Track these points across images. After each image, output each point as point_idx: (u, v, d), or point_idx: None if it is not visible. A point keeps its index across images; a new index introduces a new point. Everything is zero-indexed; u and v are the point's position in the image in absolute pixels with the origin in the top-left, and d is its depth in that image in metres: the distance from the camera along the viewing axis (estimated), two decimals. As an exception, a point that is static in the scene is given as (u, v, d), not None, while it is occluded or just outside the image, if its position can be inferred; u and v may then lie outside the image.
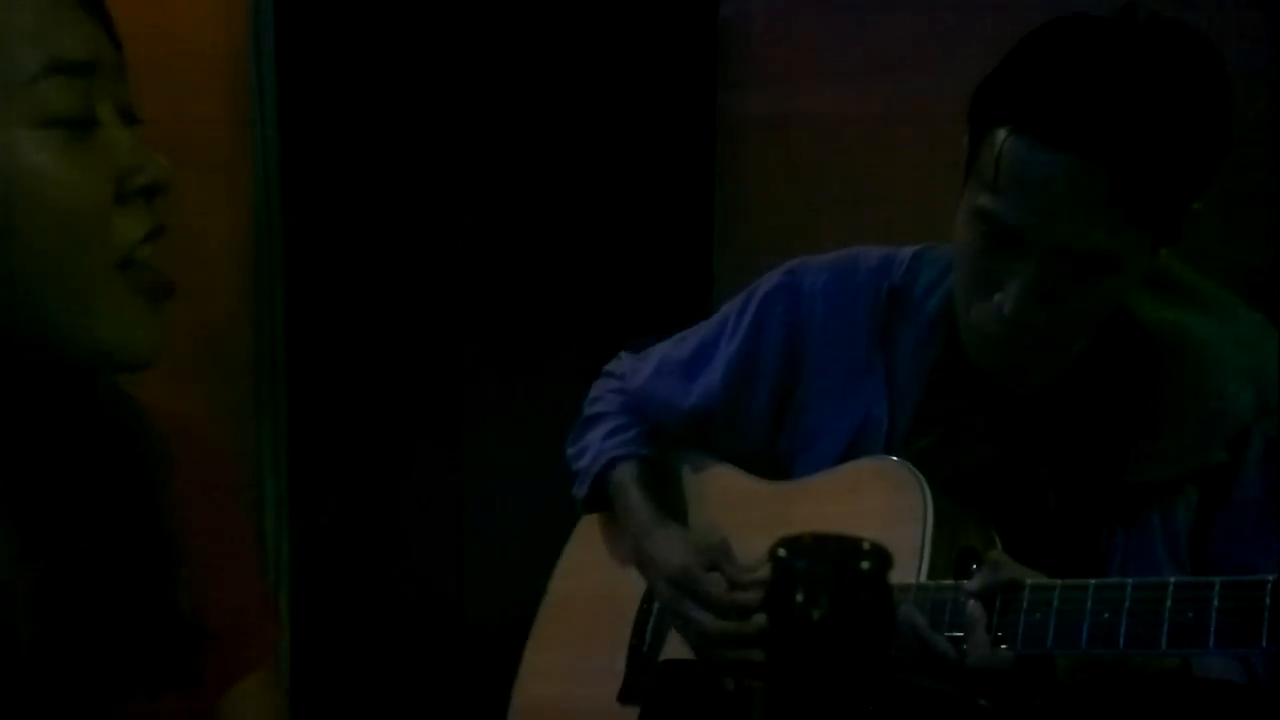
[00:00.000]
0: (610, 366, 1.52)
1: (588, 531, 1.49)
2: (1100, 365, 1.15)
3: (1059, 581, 1.04)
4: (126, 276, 0.71)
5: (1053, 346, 1.11)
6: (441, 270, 2.22)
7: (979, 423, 1.20)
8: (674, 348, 1.44)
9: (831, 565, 0.55)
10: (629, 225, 2.32)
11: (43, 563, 0.74)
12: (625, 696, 1.37)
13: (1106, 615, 1.00)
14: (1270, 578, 0.95)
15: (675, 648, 1.35)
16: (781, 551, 0.55)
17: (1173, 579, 0.99)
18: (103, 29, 0.72)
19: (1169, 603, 0.97)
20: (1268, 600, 0.94)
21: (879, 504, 1.20)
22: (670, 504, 1.43)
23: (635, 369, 1.48)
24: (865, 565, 0.55)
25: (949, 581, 1.11)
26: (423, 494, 2.25)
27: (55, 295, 0.69)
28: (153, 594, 0.77)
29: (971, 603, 1.06)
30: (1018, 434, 1.18)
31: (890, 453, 1.24)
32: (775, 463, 1.35)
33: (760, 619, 1.22)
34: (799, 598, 0.54)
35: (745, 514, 1.36)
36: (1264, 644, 0.94)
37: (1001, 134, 1.03)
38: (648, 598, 1.40)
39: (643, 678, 1.36)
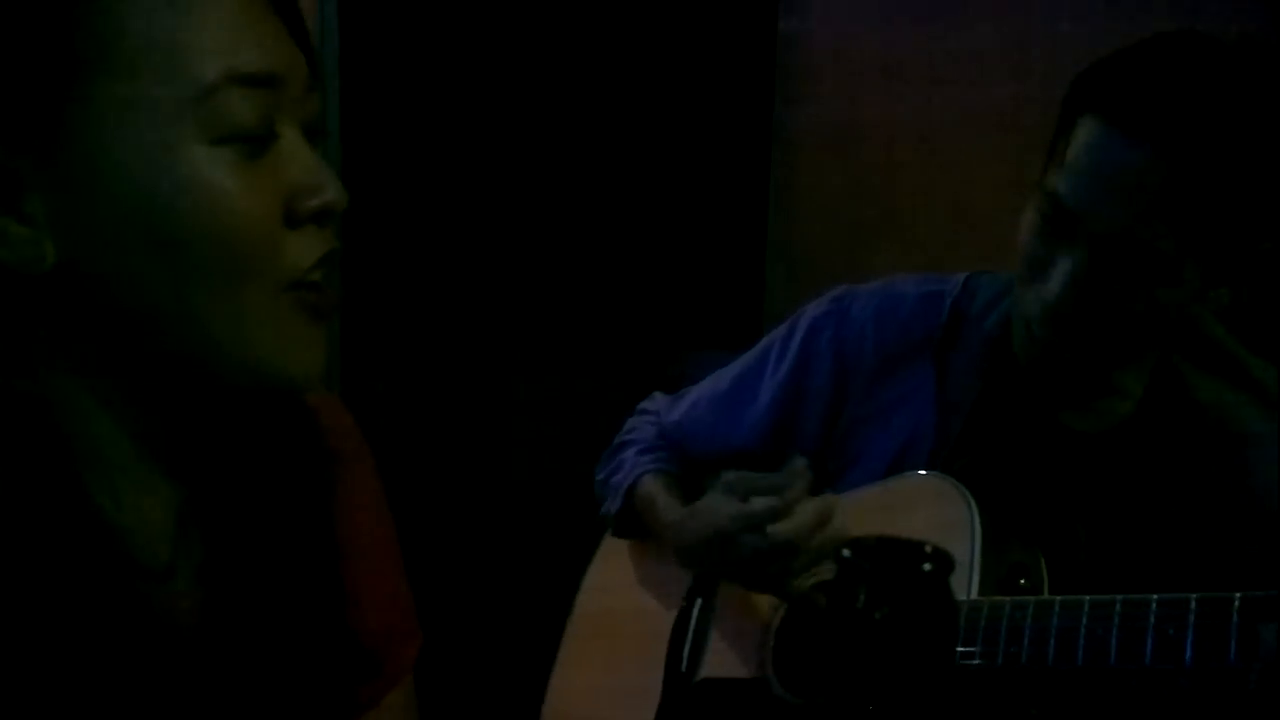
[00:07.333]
0: (644, 405, 1.52)
1: (614, 549, 1.48)
2: (1150, 435, 1.15)
3: (1057, 598, 1.04)
4: (293, 298, 0.68)
5: (1092, 351, 1.10)
6: (497, 279, 2.25)
7: (1022, 454, 1.18)
8: (712, 384, 1.43)
9: (895, 567, 0.54)
10: (684, 235, 2.34)
11: (224, 578, 0.73)
12: (663, 716, 1.34)
13: (1099, 631, 0.99)
14: (1238, 594, 0.93)
15: (713, 667, 1.32)
16: (846, 552, 0.55)
17: (1155, 596, 0.98)
18: (293, 38, 0.69)
19: (1152, 619, 0.96)
20: (1235, 617, 0.92)
21: (925, 519, 1.18)
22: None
23: (671, 406, 1.47)
24: (928, 567, 0.55)
25: (1002, 598, 1.08)
26: (466, 504, 2.25)
27: (218, 314, 0.66)
28: (325, 618, 0.75)
29: None
30: (1059, 482, 1.17)
31: (932, 469, 1.22)
32: (821, 481, 1.33)
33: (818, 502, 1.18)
34: (862, 598, 0.53)
35: (786, 531, 1.34)
36: (1231, 659, 0.92)
37: (1087, 121, 1.05)
38: (683, 616, 1.38)
39: (681, 697, 1.34)
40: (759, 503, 1.20)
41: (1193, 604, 0.97)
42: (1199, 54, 1.04)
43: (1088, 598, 1.03)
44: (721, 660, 1.32)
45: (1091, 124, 1.04)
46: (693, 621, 1.36)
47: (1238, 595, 0.96)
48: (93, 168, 0.63)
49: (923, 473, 1.22)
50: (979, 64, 2.11)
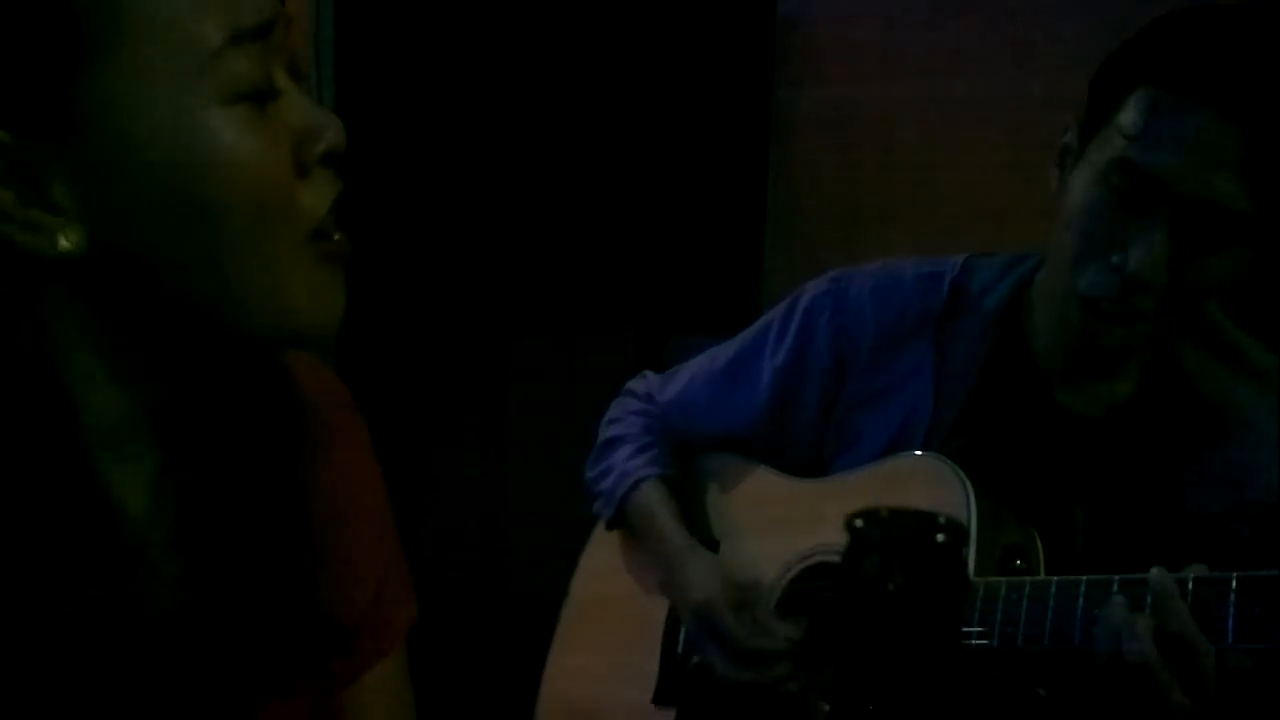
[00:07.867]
0: (632, 385, 1.50)
1: (609, 533, 1.47)
2: (1147, 418, 1.15)
3: (1053, 579, 1.05)
4: (316, 248, 0.69)
5: (1141, 330, 1.10)
6: (494, 261, 2.23)
7: (1020, 435, 1.19)
8: (707, 362, 1.42)
9: (908, 537, 0.54)
10: (682, 220, 2.33)
11: (196, 548, 0.72)
12: (660, 698, 1.34)
13: (1096, 612, 1.00)
14: (1236, 574, 0.95)
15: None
16: (858, 522, 0.54)
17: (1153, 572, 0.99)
18: None
19: (1149, 600, 0.97)
20: (1232, 597, 0.93)
21: (920, 501, 1.18)
22: (703, 506, 1.42)
23: (663, 385, 1.46)
24: (941, 538, 0.54)
25: (998, 579, 1.09)
26: (465, 485, 2.25)
27: (248, 272, 0.66)
28: (297, 589, 0.75)
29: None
30: (1056, 464, 1.17)
31: (928, 449, 1.22)
32: (816, 466, 1.33)
33: (781, 669, 1.22)
34: (874, 569, 0.53)
35: (780, 512, 1.34)
36: (1229, 641, 0.94)
37: (1143, 91, 1.05)
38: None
39: (677, 680, 1.34)
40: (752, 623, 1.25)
41: (1190, 585, 0.97)
42: (1235, 17, 1.05)
43: (1084, 578, 1.03)
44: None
45: (1148, 95, 1.04)
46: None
47: (1235, 575, 0.96)
48: (113, 147, 0.63)
49: (917, 453, 1.22)
50: (980, 49, 2.10)
